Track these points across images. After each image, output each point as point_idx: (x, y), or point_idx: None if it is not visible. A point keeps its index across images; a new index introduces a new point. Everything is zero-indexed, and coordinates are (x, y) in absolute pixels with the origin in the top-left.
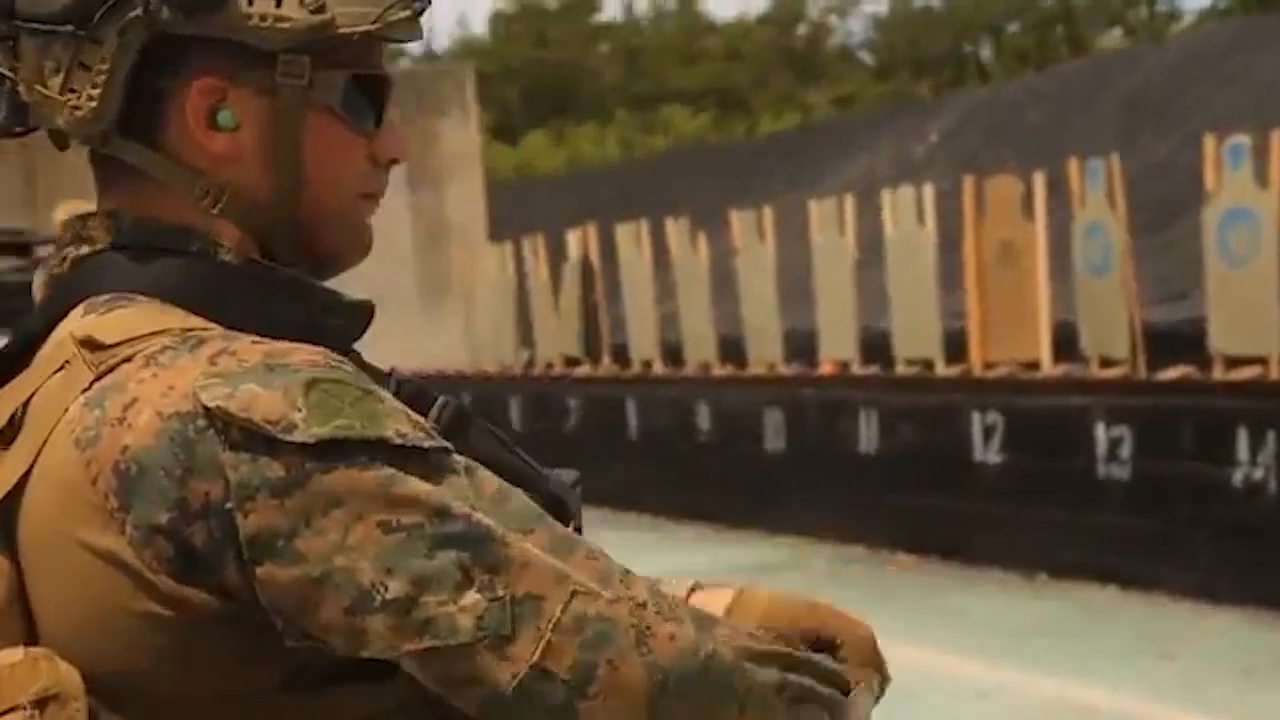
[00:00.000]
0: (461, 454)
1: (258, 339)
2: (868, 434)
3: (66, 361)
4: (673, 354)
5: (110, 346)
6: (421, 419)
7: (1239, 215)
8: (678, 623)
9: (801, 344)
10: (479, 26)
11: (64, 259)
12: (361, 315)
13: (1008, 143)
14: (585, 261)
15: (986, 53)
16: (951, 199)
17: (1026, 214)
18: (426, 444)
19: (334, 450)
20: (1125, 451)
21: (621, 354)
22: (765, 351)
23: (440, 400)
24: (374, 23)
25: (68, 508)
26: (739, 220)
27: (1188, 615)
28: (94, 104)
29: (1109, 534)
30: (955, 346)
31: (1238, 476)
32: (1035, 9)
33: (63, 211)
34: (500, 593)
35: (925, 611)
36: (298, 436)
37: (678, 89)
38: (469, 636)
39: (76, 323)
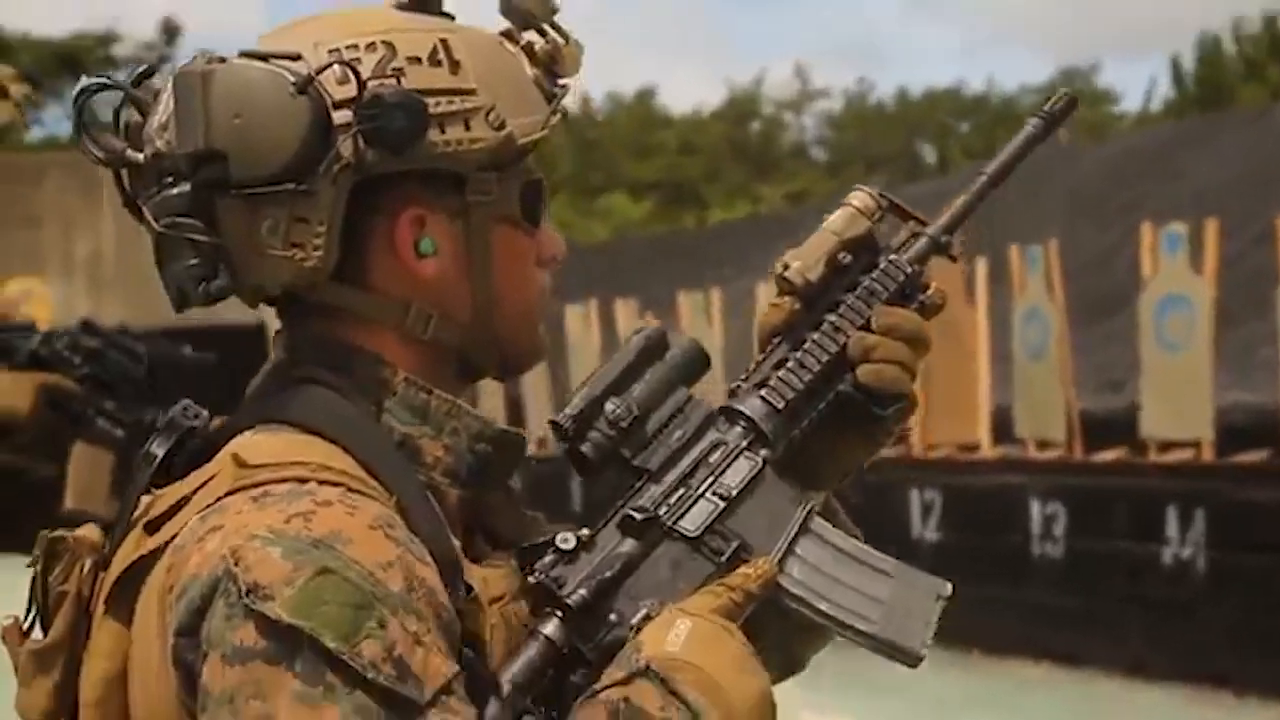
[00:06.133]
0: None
1: (355, 506)
2: None
3: (218, 471)
4: None
5: (253, 467)
6: (429, 645)
7: (1175, 302)
8: None
9: None
10: None
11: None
12: (512, 444)
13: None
14: None
15: (930, 152)
16: None
17: (969, 299)
18: (379, 680)
19: (291, 640)
20: (1059, 530)
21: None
22: None
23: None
24: (542, 129)
25: (153, 605)
26: (687, 301)
27: (1119, 691)
28: (320, 253)
29: (1042, 610)
30: None
31: (1167, 555)
32: (985, 110)
33: (13, 289)
34: None
35: (856, 685)
36: (269, 610)
37: (630, 180)
38: None
39: (242, 436)
